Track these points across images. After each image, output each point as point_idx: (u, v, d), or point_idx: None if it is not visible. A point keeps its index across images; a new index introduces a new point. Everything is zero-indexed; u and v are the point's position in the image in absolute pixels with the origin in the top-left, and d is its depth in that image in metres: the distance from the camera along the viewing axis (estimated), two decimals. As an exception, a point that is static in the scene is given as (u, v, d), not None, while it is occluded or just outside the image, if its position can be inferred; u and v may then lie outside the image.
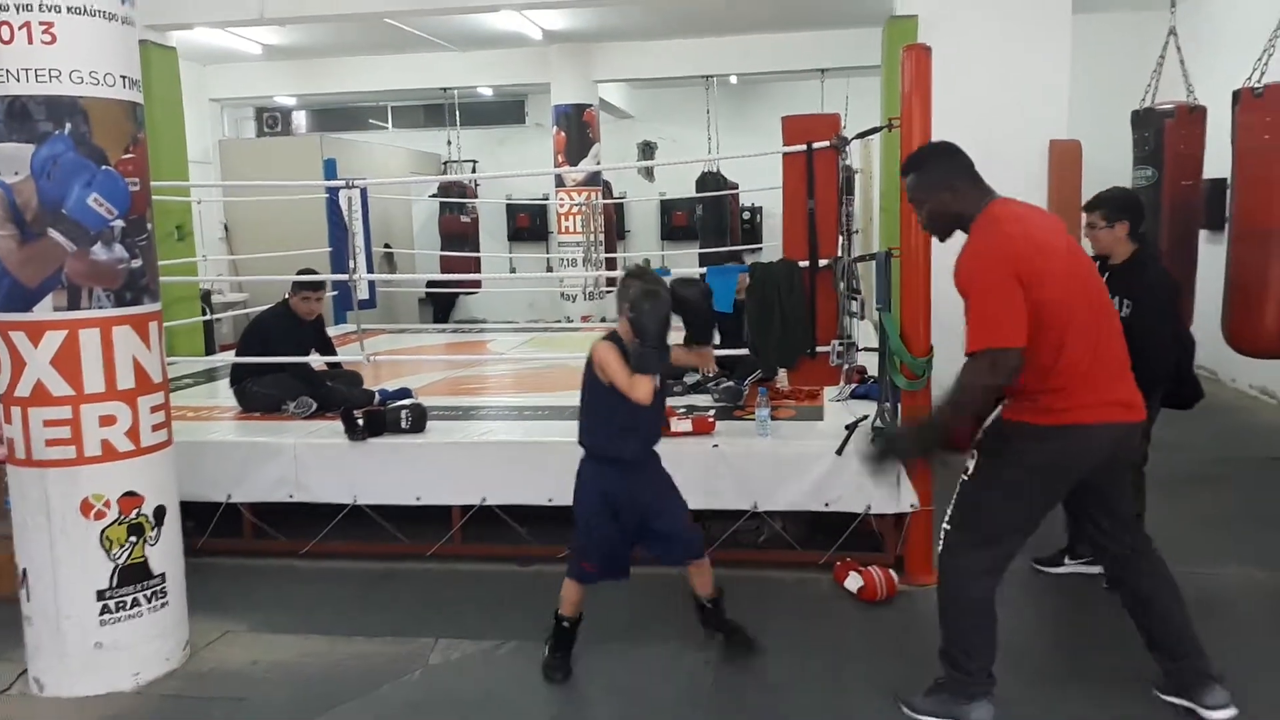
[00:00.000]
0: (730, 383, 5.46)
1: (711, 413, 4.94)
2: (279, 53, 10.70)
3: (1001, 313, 2.71)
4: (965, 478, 3.01)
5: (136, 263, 3.45)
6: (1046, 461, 2.87)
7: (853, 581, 4.09)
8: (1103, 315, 2.90)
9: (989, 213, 2.88)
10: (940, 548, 3.05)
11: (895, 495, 4.25)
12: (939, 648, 3.07)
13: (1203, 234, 6.22)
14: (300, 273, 5.65)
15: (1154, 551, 3.09)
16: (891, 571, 4.12)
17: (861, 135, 5.30)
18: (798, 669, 3.51)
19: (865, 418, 4.55)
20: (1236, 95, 5.17)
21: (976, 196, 2.93)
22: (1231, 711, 2.97)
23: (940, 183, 2.97)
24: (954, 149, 3.04)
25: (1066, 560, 4.26)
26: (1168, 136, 5.71)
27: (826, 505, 4.33)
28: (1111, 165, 6.55)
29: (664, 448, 4.49)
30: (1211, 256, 5.96)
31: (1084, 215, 4.03)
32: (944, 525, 3.05)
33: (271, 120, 13.61)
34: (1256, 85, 5.07)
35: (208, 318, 8.28)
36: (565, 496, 4.44)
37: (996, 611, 3.00)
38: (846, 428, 4.47)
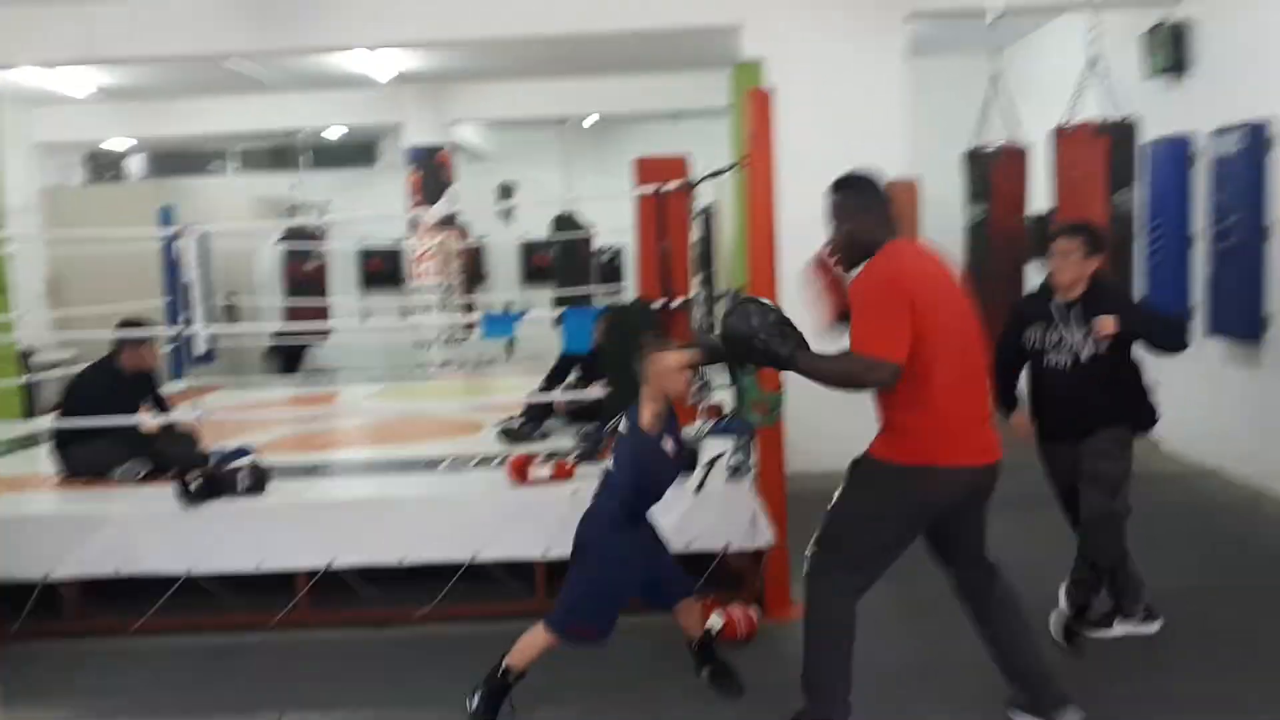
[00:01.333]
0: (591, 427, 5.40)
1: (571, 457, 4.86)
2: (111, 94, 10.14)
3: (887, 328, 2.86)
4: (829, 507, 3.10)
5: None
6: (905, 501, 3.00)
7: (714, 621, 4.05)
8: (975, 360, 3.04)
9: (895, 245, 3.04)
10: (805, 570, 3.11)
11: (753, 532, 4.26)
12: (801, 675, 3.10)
13: (1035, 264, 6.57)
14: (122, 323, 5.30)
15: (1002, 579, 3.19)
16: (752, 610, 4.10)
17: (708, 177, 5.38)
18: (662, 712, 3.44)
19: (722, 455, 4.56)
20: (1055, 133, 5.50)
21: (886, 229, 3.08)
22: None
23: (864, 206, 3.10)
24: (877, 180, 3.19)
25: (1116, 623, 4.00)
26: (994, 175, 6.03)
27: (688, 545, 4.30)
28: (949, 201, 6.85)
29: (524, 496, 4.43)
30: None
31: (1057, 241, 3.74)
32: (807, 551, 3.12)
33: (103, 166, 12.90)
34: (1071, 124, 5.41)
35: (27, 379, 7.69)
36: (418, 554, 4.33)
37: (853, 642, 3.04)
38: (704, 465, 4.47)
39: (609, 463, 3.45)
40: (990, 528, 3.19)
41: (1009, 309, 4.02)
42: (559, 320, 5.51)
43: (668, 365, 3.24)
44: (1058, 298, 3.74)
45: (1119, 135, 5.32)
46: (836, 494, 3.10)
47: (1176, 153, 6.39)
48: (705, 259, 7.24)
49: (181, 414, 5.82)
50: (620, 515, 3.34)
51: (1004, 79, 6.08)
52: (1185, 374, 6.44)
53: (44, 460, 5.41)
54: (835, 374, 2.96)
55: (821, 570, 3.08)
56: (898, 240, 3.07)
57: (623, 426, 3.35)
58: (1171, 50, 6.44)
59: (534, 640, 3.28)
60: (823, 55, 6.74)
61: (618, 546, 3.32)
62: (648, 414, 3.24)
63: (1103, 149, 5.34)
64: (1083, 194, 5.43)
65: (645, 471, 3.30)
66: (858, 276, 3.01)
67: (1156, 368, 6.66)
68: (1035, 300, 3.86)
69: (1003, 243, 6.07)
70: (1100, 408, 3.70)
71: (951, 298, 3.01)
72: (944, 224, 7.31)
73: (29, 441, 6.22)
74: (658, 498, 3.39)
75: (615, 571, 3.32)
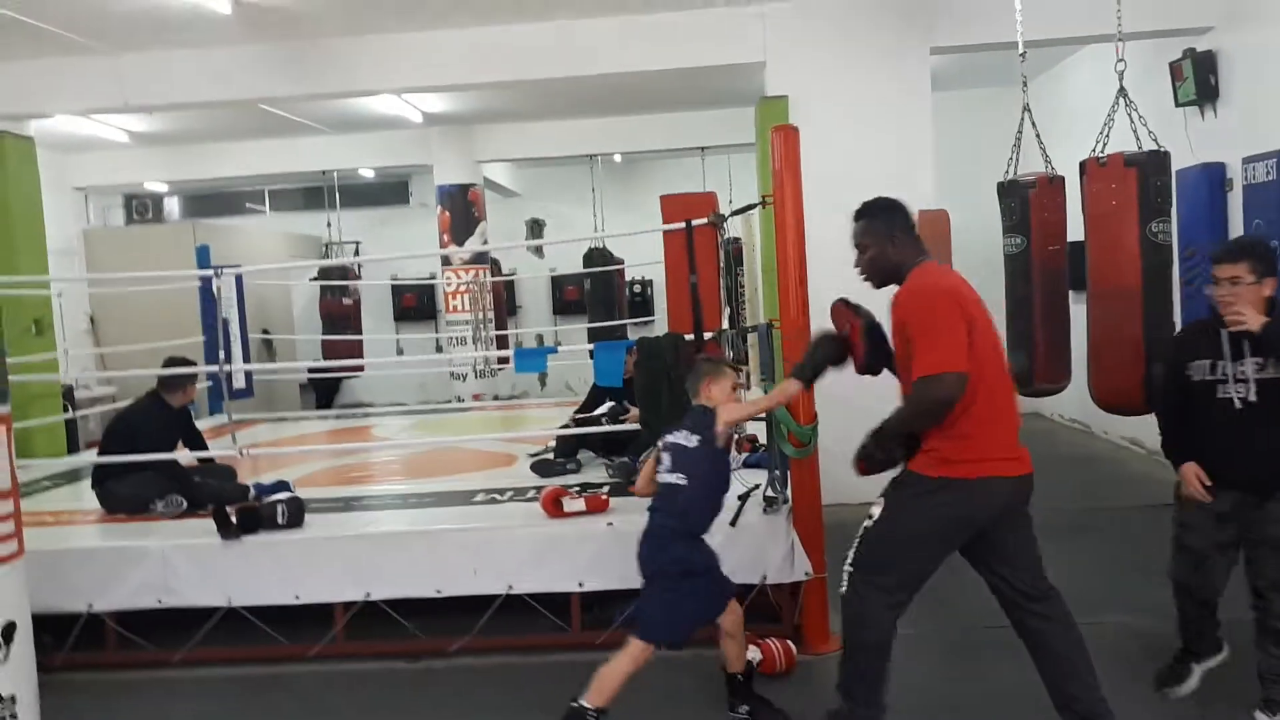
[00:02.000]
0: (625, 459, 5.42)
1: (605, 490, 4.88)
2: (147, 139, 10.40)
3: (950, 341, 2.93)
4: (869, 523, 3.13)
5: (-19, 362, 3.22)
6: (946, 513, 3.02)
7: (751, 654, 4.03)
8: (1005, 373, 3.14)
9: (927, 266, 3.16)
10: (844, 588, 3.14)
11: (790, 564, 4.25)
12: (837, 682, 3.16)
13: (1073, 294, 6.54)
14: (168, 362, 5.40)
15: (1059, 601, 3.15)
16: (790, 642, 4.09)
17: (737, 213, 5.43)
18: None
19: (757, 487, 4.55)
20: (1083, 166, 5.50)
21: (914, 251, 3.20)
22: None
23: (886, 233, 3.22)
24: (901, 205, 3.31)
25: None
26: (1033, 205, 6.00)
27: (723, 578, 4.29)
28: (979, 232, 6.86)
29: (558, 528, 4.45)
30: (1075, 315, 6.26)
31: (1219, 266, 3.30)
32: (846, 566, 3.14)
33: (141, 207, 13.17)
34: (1101, 156, 5.39)
35: (70, 415, 7.83)
36: (454, 587, 4.36)
37: (888, 660, 3.09)
38: (739, 498, 4.46)
39: (675, 478, 3.44)
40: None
41: (1169, 342, 3.60)
42: (592, 353, 5.55)
43: (725, 384, 3.50)
44: (1229, 328, 3.27)
45: (1149, 166, 5.30)
46: (875, 511, 3.13)
47: (1210, 179, 6.36)
48: (734, 293, 7.28)
49: (219, 449, 5.91)
50: (697, 528, 3.44)
51: (1032, 111, 6.09)
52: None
53: (86, 495, 5.51)
54: (917, 412, 3.02)
55: (858, 586, 3.11)
56: (929, 262, 3.16)
57: (687, 439, 3.44)
58: (1200, 79, 6.44)
59: (616, 667, 3.28)
60: (847, 90, 6.81)
61: (707, 555, 3.46)
62: (722, 430, 3.40)
63: (1133, 180, 5.32)
64: (1114, 225, 5.40)
65: (724, 484, 3.51)
66: (904, 299, 3.08)
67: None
68: (1201, 331, 3.43)
69: (1044, 274, 6.03)
70: (1276, 455, 3.29)
71: (983, 316, 3.07)
72: (972, 254, 7.33)
73: (71, 476, 6.33)
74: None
75: (704, 582, 3.43)
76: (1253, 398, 3.26)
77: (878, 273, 3.23)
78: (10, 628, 3.28)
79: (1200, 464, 3.42)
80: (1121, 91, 5.44)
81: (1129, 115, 5.42)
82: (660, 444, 3.54)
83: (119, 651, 4.46)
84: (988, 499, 3.02)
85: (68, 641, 4.36)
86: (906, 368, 3.07)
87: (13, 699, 3.27)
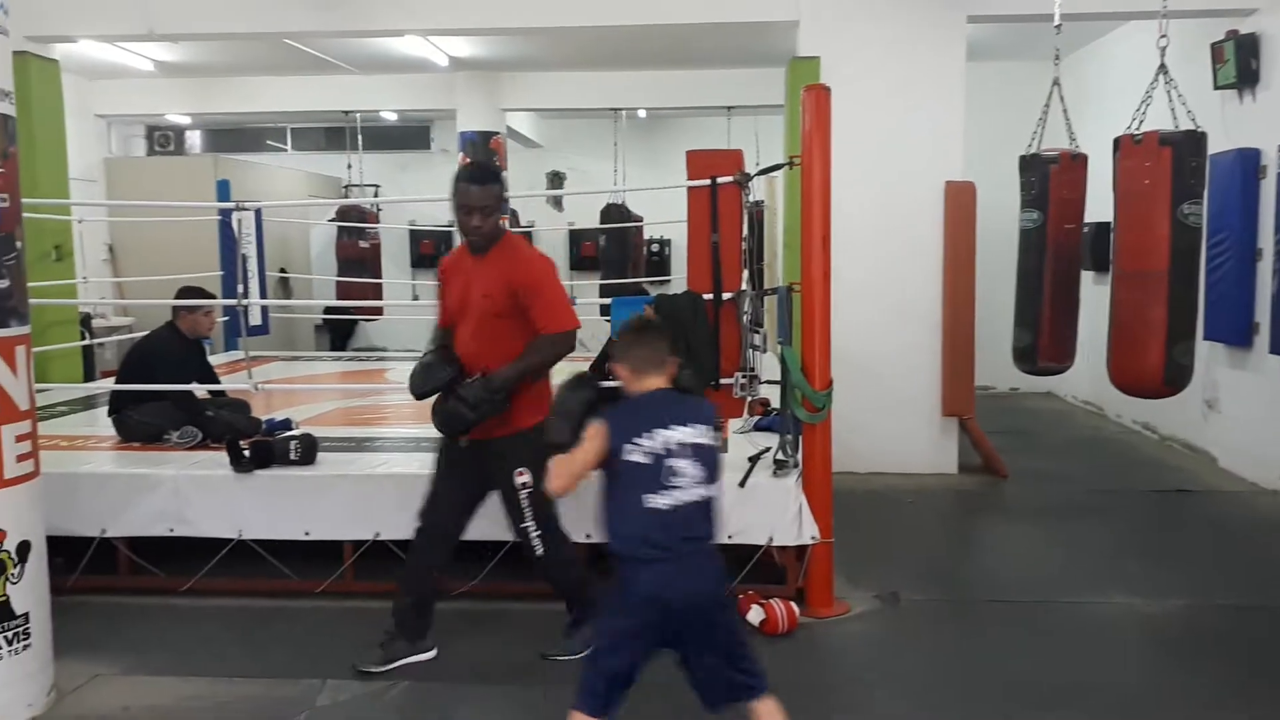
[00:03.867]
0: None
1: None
2: (172, 70, 10.33)
3: (566, 299, 3.62)
4: (529, 492, 3.57)
5: (3, 283, 3.24)
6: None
7: (755, 614, 4.07)
8: None
9: (516, 235, 3.76)
10: (541, 552, 3.65)
11: (797, 527, 4.26)
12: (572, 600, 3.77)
13: (1086, 275, 6.47)
14: (184, 291, 5.40)
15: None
16: (793, 604, 4.12)
17: (763, 172, 5.37)
18: (698, 706, 3.45)
19: (768, 449, 4.56)
20: (1117, 142, 5.41)
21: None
22: None
23: (504, 199, 3.72)
24: None
25: None
26: (1052, 182, 5.93)
27: (730, 537, 4.30)
28: (1005, 207, 6.79)
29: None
30: (1097, 296, 6.22)
31: None
32: (535, 536, 3.64)
33: (163, 139, 13.13)
34: (1136, 133, 5.31)
35: (87, 342, 7.88)
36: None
37: None
38: (750, 460, 4.48)
39: (707, 486, 2.61)
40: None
41: None
42: (606, 309, 5.53)
43: None
44: None
45: (1185, 146, 5.22)
46: (527, 477, 3.54)
47: (1244, 165, 6.27)
48: (753, 254, 7.23)
49: (234, 384, 5.93)
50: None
51: (1065, 86, 5.99)
52: (1246, 392, 6.34)
53: (101, 422, 5.55)
54: (550, 360, 3.52)
55: (551, 543, 3.67)
56: (510, 231, 3.72)
57: (708, 434, 2.62)
58: (1241, 62, 6.32)
59: None
60: (880, 55, 6.70)
61: None
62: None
63: (1166, 160, 5.24)
64: (1145, 205, 5.33)
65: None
66: (530, 260, 3.58)
67: (1216, 386, 6.59)
68: None
69: (1058, 251, 5.97)
70: None
71: None
72: (996, 228, 7.27)
73: (87, 403, 6.38)
74: None
75: None
76: None
77: (493, 236, 3.57)
78: (25, 547, 3.33)
79: None
80: (1162, 68, 5.34)
81: (1167, 93, 5.32)
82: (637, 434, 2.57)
83: (129, 577, 4.52)
84: None
85: (80, 565, 4.41)
86: (499, 317, 3.52)
87: (25, 616, 3.33)
